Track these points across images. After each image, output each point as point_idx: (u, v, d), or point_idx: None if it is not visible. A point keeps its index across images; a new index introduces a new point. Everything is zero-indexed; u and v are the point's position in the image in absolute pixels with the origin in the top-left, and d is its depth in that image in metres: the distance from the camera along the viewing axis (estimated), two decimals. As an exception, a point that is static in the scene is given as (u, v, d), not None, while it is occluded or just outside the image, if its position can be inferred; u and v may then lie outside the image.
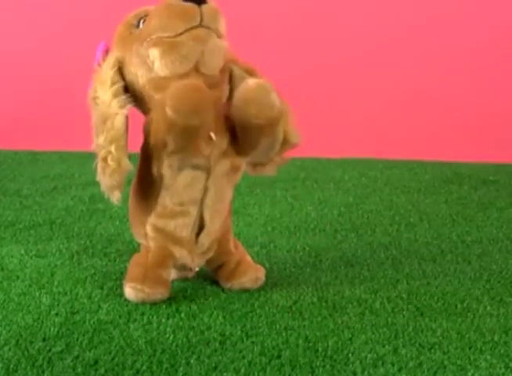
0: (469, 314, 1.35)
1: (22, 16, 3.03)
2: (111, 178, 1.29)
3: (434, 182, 2.50)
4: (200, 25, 1.29)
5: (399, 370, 1.13)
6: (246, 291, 1.44)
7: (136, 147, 1.35)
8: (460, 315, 1.35)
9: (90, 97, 1.33)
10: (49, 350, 1.17)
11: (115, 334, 1.23)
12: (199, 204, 1.36)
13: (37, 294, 1.40)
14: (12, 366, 1.11)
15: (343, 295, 1.43)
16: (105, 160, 1.29)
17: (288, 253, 1.69)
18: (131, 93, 1.34)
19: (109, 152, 1.29)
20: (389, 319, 1.32)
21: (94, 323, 1.28)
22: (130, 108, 1.32)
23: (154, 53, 1.30)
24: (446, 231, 1.91)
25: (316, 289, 1.46)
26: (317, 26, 3.00)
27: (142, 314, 1.32)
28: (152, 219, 1.38)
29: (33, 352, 1.16)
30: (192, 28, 1.29)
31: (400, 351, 1.19)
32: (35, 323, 1.27)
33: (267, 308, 1.36)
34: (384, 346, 1.20)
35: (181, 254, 1.39)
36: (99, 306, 1.35)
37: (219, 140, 1.32)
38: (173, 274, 1.44)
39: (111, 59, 1.34)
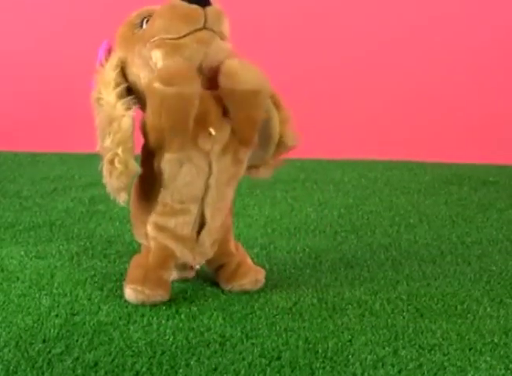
0: (469, 315, 1.35)
1: (22, 16, 3.03)
2: (118, 181, 1.29)
3: (434, 183, 2.50)
4: (204, 27, 1.29)
5: (399, 372, 1.13)
6: (246, 292, 1.44)
7: (137, 150, 1.35)
8: (460, 316, 1.35)
9: (93, 98, 1.33)
10: (49, 352, 1.17)
11: (115, 335, 1.23)
12: (199, 202, 1.36)
13: (37, 295, 1.40)
14: (11, 367, 1.11)
15: (343, 297, 1.43)
16: (111, 162, 1.29)
17: (288, 254, 1.69)
18: (135, 94, 1.33)
19: (116, 154, 1.28)
20: (389, 320, 1.32)
21: (94, 324, 1.28)
22: (135, 110, 1.32)
23: (157, 55, 1.30)
24: (446, 232, 1.91)
25: (316, 290, 1.46)
26: (318, 27, 3.00)
27: (142, 316, 1.32)
28: (153, 218, 1.38)
29: (33, 354, 1.16)
30: (196, 30, 1.28)
31: (400, 352, 1.19)
32: (35, 325, 1.27)
33: (267, 309, 1.36)
34: (383, 348, 1.20)
35: (182, 252, 1.39)
36: (99, 308, 1.35)
37: (219, 135, 1.32)
38: (173, 275, 1.44)
39: (114, 60, 1.34)
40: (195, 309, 1.35)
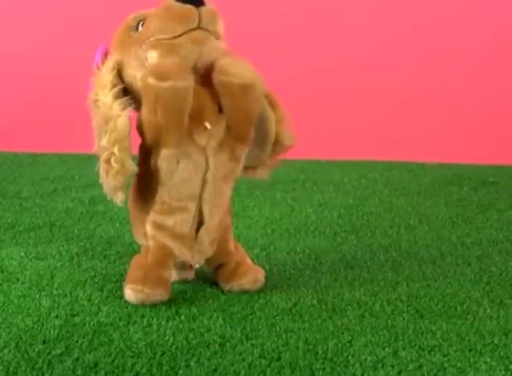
0: (469, 316, 1.35)
1: (22, 16, 3.03)
2: (115, 180, 1.29)
3: (434, 183, 2.50)
4: (199, 27, 1.31)
5: (399, 373, 1.13)
6: (245, 293, 1.44)
7: (134, 150, 1.35)
8: (460, 317, 1.35)
9: (90, 100, 1.34)
10: (49, 352, 1.17)
11: (115, 336, 1.23)
12: (197, 200, 1.36)
13: (37, 296, 1.40)
14: (11, 368, 1.11)
15: (343, 298, 1.43)
16: (108, 161, 1.29)
17: (288, 255, 1.69)
18: (131, 95, 1.34)
19: (113, 153, 1.29)
20: (389, 321, 1.32)
21: (94, 325, 1.28)
22: (131, 110, 1.33)
23: (152, 55, 1.31)
24: (446, 233, 1.91)
25: (316, 291, 1.46)
26: (316, 27, 3.00)
27: (142, 316, 1.32)
28: (151, 216, 1.38)
29: (33, 355, 1.16)
30: (190, 30, 1.30)
31: (400, 353, 1.19)
32: (35, 326, 1.27)
33: (267, 310, 1.36)
34: (383, 349, 1.20)
35: (180, 250, 1.39)
36: (99, 308, 1.35)
37: (215, 129, 1.33)
38: (173, 276, 1.44)
39: (110, 63, 1.35)
40: (195, 309, 1.35)
